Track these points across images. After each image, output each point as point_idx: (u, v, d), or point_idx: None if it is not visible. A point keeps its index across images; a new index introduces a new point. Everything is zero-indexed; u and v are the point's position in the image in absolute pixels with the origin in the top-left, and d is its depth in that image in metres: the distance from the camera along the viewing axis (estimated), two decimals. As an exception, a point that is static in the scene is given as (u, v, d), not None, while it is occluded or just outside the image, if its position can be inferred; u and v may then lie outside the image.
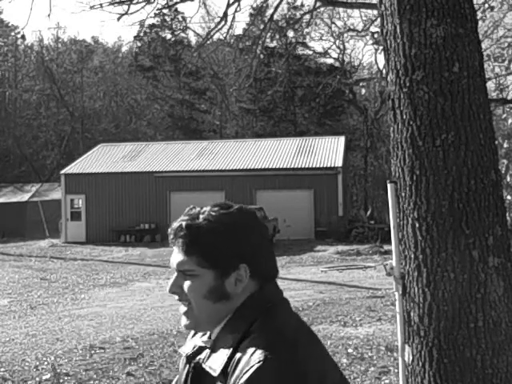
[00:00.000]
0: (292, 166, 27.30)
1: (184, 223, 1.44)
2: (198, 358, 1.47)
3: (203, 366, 1.44)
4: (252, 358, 1.31)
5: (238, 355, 1.35)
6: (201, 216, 1.44)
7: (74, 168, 29.53)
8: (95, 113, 50.25)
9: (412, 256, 3.28)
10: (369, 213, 31.06)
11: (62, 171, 29.87)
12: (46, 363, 7.34)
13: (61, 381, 6.56)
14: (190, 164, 28.00)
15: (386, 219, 25.82)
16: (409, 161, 3.27)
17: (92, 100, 50.98)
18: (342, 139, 29.78)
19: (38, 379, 6.65)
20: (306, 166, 27.16)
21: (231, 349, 1.38)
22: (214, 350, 1.44)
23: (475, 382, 3.09)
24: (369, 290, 12.35)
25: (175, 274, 1.47)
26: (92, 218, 28.14)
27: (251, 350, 1.33)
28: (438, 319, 3.16)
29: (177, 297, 1.47)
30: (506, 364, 3.10)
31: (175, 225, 1.46)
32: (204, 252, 1.42)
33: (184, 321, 1.49)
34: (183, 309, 1.47)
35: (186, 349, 1.54)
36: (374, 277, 14.44)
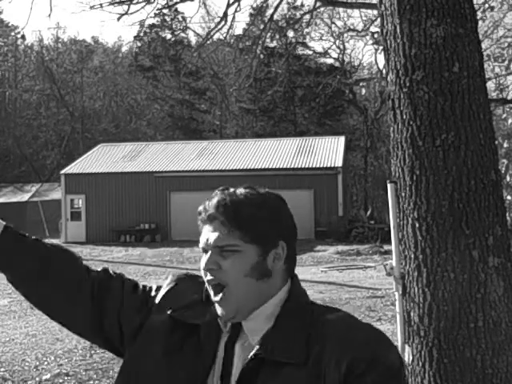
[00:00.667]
0: (292, 166, 27.30)
1: (227, 198, 1.40)
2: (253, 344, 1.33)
3: (275, 358, 1.29)
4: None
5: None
6: (238, 192, 1.42)
7: (74, 168, 29.53)
8: (95, 113, 50.25)
9: (412, 256, 3.28)
10: (369, 213, 31.05)
11: (62, 171, 29.86)
12: (45, 363, 7.34)
13: (61, 381, 6.56)
14: (189, 164, 27.99)
15: (386, 219, 25.80)
16: (409, 161, 3.27)
17: (92, 100, 50.98)
18: (341, 139, 29.79)
19: (37, 379, 6.65)
20: (306, 166, 27.17)
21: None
22: (272, 349, 1.30)
23: (475, 382, 3.09)
24: (369, 290, 12.35)
25: (209, 251, 1.37)
26: (92, 217, 28.13)
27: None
28: (438, 319, 3.15)
29: (208, 277, 1.37)
30: (506, 364, 3.10)
31: (214, 200, 1.41)
32: (248, 225, 1.37)
33: (221, 310, 1.35)
34: (217, 297, 1.35)
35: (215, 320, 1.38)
36: (374, 277, 14.44)
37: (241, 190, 1.42)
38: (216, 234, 1.37)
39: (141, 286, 1.54)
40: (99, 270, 1.57)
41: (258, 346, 1.32)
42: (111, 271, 1.56)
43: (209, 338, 1.37)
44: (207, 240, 1.38)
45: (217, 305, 1.36)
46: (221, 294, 1.35)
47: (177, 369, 1.36)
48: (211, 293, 1.38)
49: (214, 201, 1.42)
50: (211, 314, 1.39)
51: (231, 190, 1.43)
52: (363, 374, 1.25)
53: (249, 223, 1.37)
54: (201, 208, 1.44)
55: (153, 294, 1.52)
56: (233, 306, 1.35)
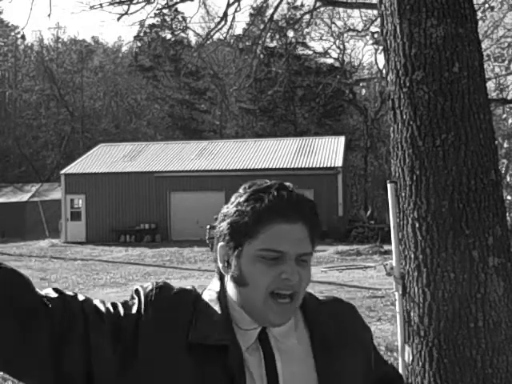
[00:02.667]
0: (292, 166, 27.30)
1: (307, 199, 1.29)
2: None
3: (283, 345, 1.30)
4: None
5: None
6: (302, 193, 1.32)
7: (73, 168, 29.53)
8: (95, 113, 50.26)
9: (412, 256, 3.28)
10: (369, 213, 31.04)
11: (62, 171, 29.87)
12: (45, 363, 7.33)
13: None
14: (189, 164, 28.00)
15: (386, 219, 25.81)
16: (409, 161, 3.27)
17: (92, 100, 51.00)
18: (341, 139, 29.79)
19: (37, 379, 6.64)
20: (306, 166, 27.17)
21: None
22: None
23: (475, 382, 3.09)
24: (369, 290, 12.35)
25: (290, 259, 1.25)
26: (92, 217, 28.14)
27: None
28: (438, 319, 3.15)
29: (287, 292, 1.25)
30: (506, 364, 3.10)
31: (296, 198, 1.28)
32: (319, 235, 1.32)
33: (281, 317, 1.26)
34: (285, 300, 1.26)
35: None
36: (374, 277, 14.44)
37: (299, 191, 1.33)
38: (303, 239, 1.28)
39: (103, 308, 1.26)
40: (50, 294, 1.29)
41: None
42: (64, 293, 1.29)
43: (235, 360, 1.24)
44: (291, 243, 1.25)
45: (279, 312, 1.26)
46: (288, 299, 1.26)
47: None
48: (275, 299, 1.25)
49: (299, 199, 1.29)
50: (230, 332, 1.27)
51: (290, 186, 1.33)
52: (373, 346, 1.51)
53: (320, 233, 1.33)
54: (278, 197, 1.27)
55: (122, 312, 1.26)
56: (292, 314, 1.30)
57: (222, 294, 1.32)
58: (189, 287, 1.35)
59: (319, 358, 1.31)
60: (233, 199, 1.34)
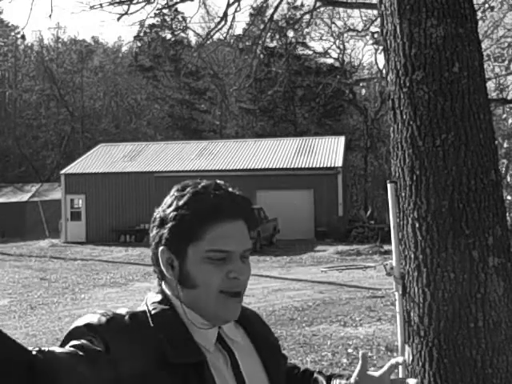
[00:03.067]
0: (292, 166, 27.30)
1: (242, 196, 1.30)
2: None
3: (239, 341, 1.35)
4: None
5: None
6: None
7: (74, 168, 29.54)
8: (95, 113, 50.26)
9: (412, 256, 3.28)
10: (369, 213, 31.04)
11: (62, 171, 29.87)
12: (45, 363, 7.34)
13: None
14: (189, 164, 28.01)
15: (386, 219, 25.81)
16: (409, 161, 3.27)
17: (92, 100, 51.00)
18: (341, 139, 29.79)
19: (37, 379, 6.64)
20: (306, 166, 27.17)
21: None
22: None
23: (475, 382, 3.09)
24: (369, 290, 12.35)
25: (237, 256, 1.27)
26: (92, 217, 28.14)
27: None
28: (438, 319, 3.16)
29: (237, 290, 1.28)
30: (506, 364, 3.10)
31: (236, 195, 1.29)
32: (256, 228, 1.33)
33: (233, 313, 1.30)
34: (236, 299, 1.29)
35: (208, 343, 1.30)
36: (374, 277, 14.44)
37: (233, 188, 1.33)
38: (245, 235, 1.29)
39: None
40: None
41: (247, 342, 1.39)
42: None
43: (209, 372, 1.26)
44: (236, 241, 1.27)
45: (230, 309, 1.29)
46: (238, 297, 1.29)
47: None
48: (226, 297, 1.27)
49: (239, 194, 1.30)
50: (194, 343, 1.27)
51: (226, 184, 1.34)
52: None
53: (257, 226, 1.35)
54: (217, 197, 1.27)
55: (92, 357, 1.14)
56: (239, 310, 1.32)
57: (166, 303, 1.31)
58: (126, 310, 1.29)
59: (264, 355, 1.38)
60: (169, 202, 1.32)
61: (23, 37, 50.46)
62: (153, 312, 1.29)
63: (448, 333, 3.13)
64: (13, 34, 50.01)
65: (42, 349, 1.10)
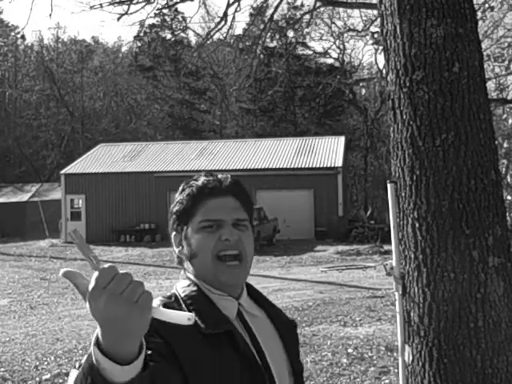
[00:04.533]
0: (292, 166, 27.29)
1: (232, 178, 1.52)
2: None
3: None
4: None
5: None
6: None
7: (74, 168, 29.53)
8: (95, 113, 50.25)
9: (412, 256, 3.28)
10: (369, 213, 31.03)
11: (62, 171, 29.86)
12: (46, 363, 7.34)
13: (61, 381, 6.56)
14: (189, 164, 28.00)
15: (386, 219, 25.80)
16: (409, 161, 3.27)
17: (92, 100, 50.98)
18: (341, 139, 29.78)
19: (37, 379, 6.65)
20: (306, 166, 27.16)
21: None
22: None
23: (475, 382, 3.09)
24: (369, 290, 12.35)
25: (228, 224, 1.45)
26: (92, 218, 28.13)
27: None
28: (437, 319, 3.16)
29: (229, 250, 1.43)
30: (506, 364, 3.10)
31: (223, 176, 1.51)
32: (251, 206, 1.53)
33: (235, 277, 1.44)
34: (234, 262, 1.43)
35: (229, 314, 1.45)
36: (374, 277, 14.44)
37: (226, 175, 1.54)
38: (236, 208, 1.47)
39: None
40: None
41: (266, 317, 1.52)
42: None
43: (240, 338, 1.41)
44: (226, 212, 1.45)
45: (228, 272, 1.43)
46: (236, 262, 1.44)
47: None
48: (223, 261, 1.42)
49: (224, 177, 1.51)
50: (222, 314, 1.42)
51: (215, 174, 1.54)
52: None
53: (251, 203, 1.54)
54: (205, 181, 1.49)
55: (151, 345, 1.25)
56: (246, 275, 1.47)
57: (192, 285, 1.47)
58: (160, 299, 1.44)
59: (285, 339, 1.51)
60: (175, 197, 1.56)
61: (23, 37, 50.46)
62: (182, 294, 1.45)
63: (448, 333, 3.13)
64: (13, 34, 50.00)
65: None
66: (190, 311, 1.37)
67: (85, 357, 1.03)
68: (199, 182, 1.49)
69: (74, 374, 1.06)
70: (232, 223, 1.45)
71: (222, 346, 1.36)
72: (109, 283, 0.97)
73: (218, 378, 1.33)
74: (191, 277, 1.49)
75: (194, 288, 1.45)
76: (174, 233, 1.52)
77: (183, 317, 1.07)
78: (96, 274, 0.97)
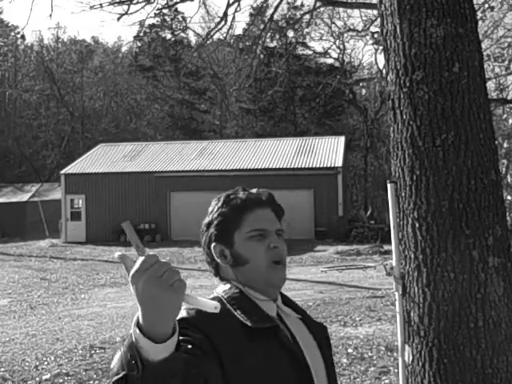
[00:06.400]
0: (292, 166, 27.29)
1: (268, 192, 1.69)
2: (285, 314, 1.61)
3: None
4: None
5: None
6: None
7: (74, 168, 29.52)
8: (95, 113, 50.23)
9: (412, 256, 3.28)
10: (369, 213, 31.04)
11: (62, 171, 29.85)
12: (46, 363, 7.34)
13: (61, 381, 6.56)
14: (189, 164, 27.99)
15: (386, 219, 25.80)
16: (409, 161, 3.27)
17: (92, 100, 50.97)
18: (341, 139, 29.77)
19: (37, 379, 6.65)
20: (306, 166, 27.16)
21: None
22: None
23: (475, 382, 3.09)
24: (369, 290, 12.35)
25: (273, 233, 1.60)
26: (92, 218, 28.13)
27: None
28: (437, 319, 3.15)
29: (276, 256, 1.58)
30: (506, 364, 3.10)
31: (260, 190, 1.66)
32: (282, 216, 1.69)
33: (281, 275, 1.60)
34: (280, 264, 1.59)
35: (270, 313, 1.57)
36: (374, 277, 14.44)
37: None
38: (274, 219, 1.64)
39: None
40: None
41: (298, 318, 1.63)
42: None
43: (285, 334, 1.54)
44: (269, 222, 1.61)
45: (278, 276, 1.59)
46: (281, 265, 1.60)
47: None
48: (271, 265, 1.57)
49: (262, 190, 1.67)
50: (264, 312, 1.54)
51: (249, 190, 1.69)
52: None
53: (283, 215, 1.70)
54: (247, 194, 1.62)
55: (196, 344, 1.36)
56: (285, 276, 1.63)
57: (235, 288, 1.58)
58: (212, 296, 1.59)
59: (319, 340, 1.62)
60: (210, 210, 1.66)
61: (23, 37, 50.46)
62: (225, 296, 1.56)
63: (448, 333, 3.13)
64: (13, 34, 49.99)
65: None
66: (234, 310, 1.51)
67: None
68: (242, 196, 1.62)
69: (118, 353, 1.19)
70: (275, 232, 1.61)
71: (270, 341, 1.47)
72: (150, 267, 1.13)
73: (266, 374, 1.42)
74: (233, 282, 1.61)
75: (236, 290, 1.57)
76: (213, 244, 1.62)
77: (211, 305, 1.20)
78: (141, 258, 1.15)
